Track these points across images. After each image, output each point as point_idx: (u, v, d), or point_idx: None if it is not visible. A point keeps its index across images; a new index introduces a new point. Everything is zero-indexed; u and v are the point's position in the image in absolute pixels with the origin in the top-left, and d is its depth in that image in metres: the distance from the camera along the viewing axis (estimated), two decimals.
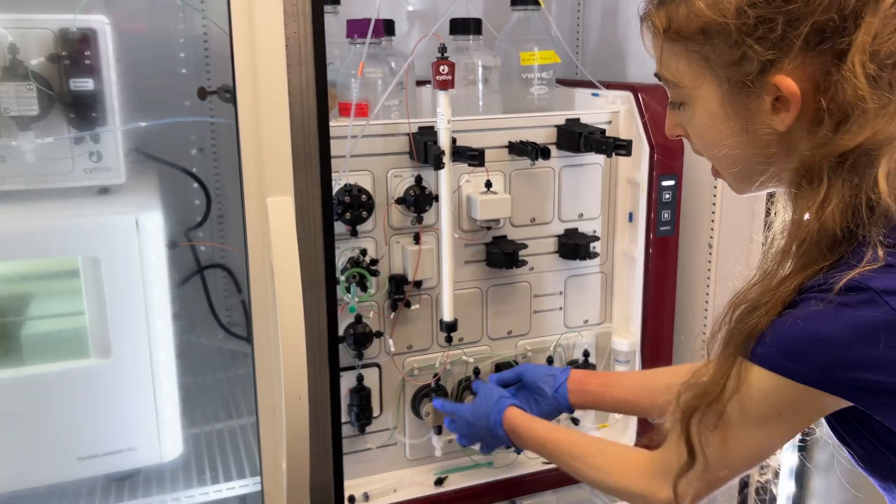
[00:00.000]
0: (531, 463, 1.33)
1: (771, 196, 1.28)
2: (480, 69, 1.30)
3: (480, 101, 1.31)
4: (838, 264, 0.68)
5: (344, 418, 1.19)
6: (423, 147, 1.15)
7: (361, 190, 1.14)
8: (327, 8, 1.27)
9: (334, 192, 1.09)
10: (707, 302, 1.38)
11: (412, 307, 1.23)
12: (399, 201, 1.18)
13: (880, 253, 0.65)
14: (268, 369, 0.96)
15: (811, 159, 0.68)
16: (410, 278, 1.20)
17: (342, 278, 1.13)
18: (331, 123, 0.95)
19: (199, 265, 1.46)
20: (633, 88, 1.28)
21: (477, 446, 1.19)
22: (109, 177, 1.09)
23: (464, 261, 1.25)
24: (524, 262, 1.26)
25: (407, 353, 1.26)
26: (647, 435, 1.35)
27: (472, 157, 1.14)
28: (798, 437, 1.34)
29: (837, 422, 0.75)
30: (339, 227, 1.13)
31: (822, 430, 1.31)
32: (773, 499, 1.43)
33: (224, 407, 1.40)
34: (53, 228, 1.03)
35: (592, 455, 0.95)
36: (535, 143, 1.21)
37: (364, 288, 1.15)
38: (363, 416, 1.21)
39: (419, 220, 1.19)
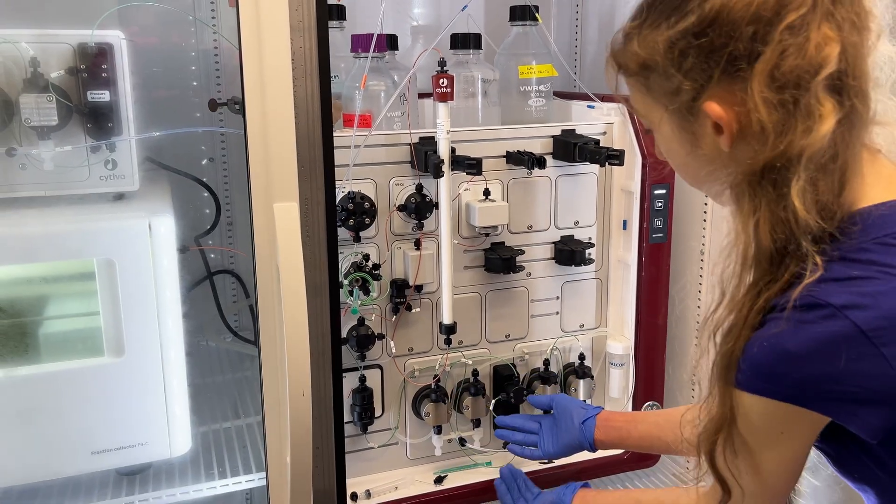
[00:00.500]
0: (529, 463, 1.37)
1: None
2: (480, 82, 1.35)
3: (480, 113, 1.36)
4: (794, 281, 0.70)
5: (347, 418, 1.23)
6: (424, 156, 1.19)
7: (364, 197, 1.19)
8: (333, 23, 1.32)
9: (338, 199, 1.14)
10: (699, 307, 1.42)
11: (413, 311, 1.27)
12: (400, 208, 1.23)
13: (818, 261, 0.69)
14: (273, 367, 1.00)
15: (736, 178, 0.73)
16: (411, 283, 1.24)
17: (345, 282, 1.17)
18: (335, 133, 0.99)
19: (209, 270, 1.51)
20: (627, 101, 1.32)
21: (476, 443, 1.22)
22: (124, 184, 1.13)
23: (463, 266, 1.29)
24: (521, 268, 1.30)
25: (408, 355, 1.30)
26: None
27: (471, 166, 1.18)
28: None
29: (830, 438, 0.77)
30: (343, 233, 1.17)
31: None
32: None
33: (231, 406, 1.44)
34: (71, 232, 1.07)
35: None
36: (531, 153, 1.25)
37: (366, 292, 1.19)
38: (365, 415, 1.25)
39: (420, 226, 1.24)
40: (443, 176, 1.19)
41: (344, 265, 1.19)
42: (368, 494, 1.27)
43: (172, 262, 1.11)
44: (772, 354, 0.70)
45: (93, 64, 1.08)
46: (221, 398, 1.46)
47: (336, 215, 1.03)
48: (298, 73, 0.95)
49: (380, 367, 1.28)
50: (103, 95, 1.09)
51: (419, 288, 1.26)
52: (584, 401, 1.32)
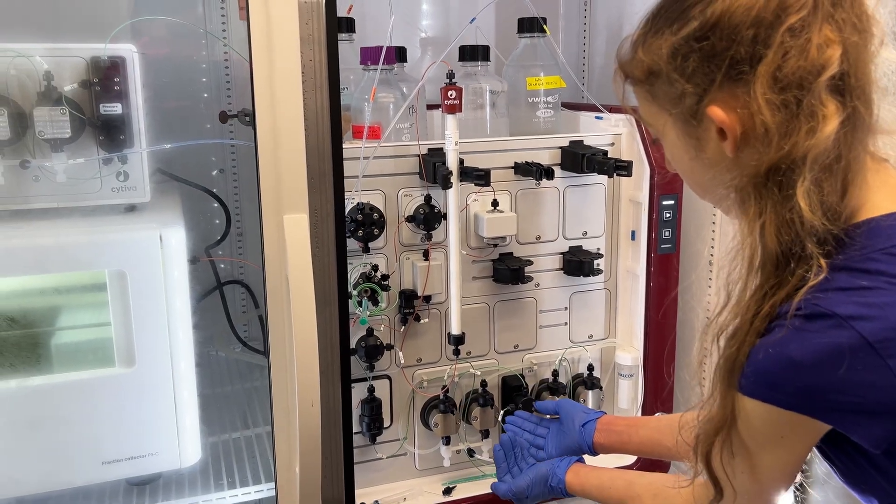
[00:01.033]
0: None
1: None
2: (488, 93, 1.36)
3: (488, 124, 1.37)
4: (800, 286, 0.70)
5: (355, 428, 1.23)
6: (433, 168, 1.20)
7: (373, 208, 1.19)
8: (342, 35, 1.33)
9: (347, 210, 1.15)
10: (709, 318, 1.41)
11: (421, 321, 1.28)
12: (409, 219, 1.23)
13: (822, 263, 0.69)
14: (282, 377, 1.00)
15: (742, 182, 0.73)
16: (420, 293, 1.25)
17: (354, 293, 1.17)
18: (344, 145, 1.00)
19: (219, 281, 1.51)
20: (635, 112, 1.33)
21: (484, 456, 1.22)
22: (135, 195, 1.14)
23: (471, 277, 1.30)
24: (530, 279, 1.30)
25: (416, 366, 1.30)
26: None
27: (479, 177, 1.18)
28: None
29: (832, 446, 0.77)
30: (352, 244, 1.18)
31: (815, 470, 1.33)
32: None
33: (240, 417, 1.44)
34: (83, 244, 1.08)
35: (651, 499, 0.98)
36: (540, 164, 1.26)
37: (375, 302, 1.19)
38: (374, 426, 1.25)
39: (428, 237, 1.24)
40: (451, 187, 1.19)
41: (353, 276, 1.19)
42: None
43: (183, 273, 1.12)
44: (777, 362, 0.70)
45: (105, 77, 1.10)
46: (231, 408, 1.46)
47: (345, 226, 1.03)
48: (308, 85, 0.96)
49: (388, 377, 1.28)
50: (116, 108, 1.10)
51: (427, 298, 1.27)
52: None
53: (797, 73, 0.69)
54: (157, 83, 1.22)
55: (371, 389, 1.26)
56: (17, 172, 1.08)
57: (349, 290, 1.15)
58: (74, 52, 1.09)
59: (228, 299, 1.55)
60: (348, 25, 1.37)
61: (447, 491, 1.32)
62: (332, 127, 0.98)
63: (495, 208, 1.26)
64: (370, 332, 1.22)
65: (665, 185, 1.30)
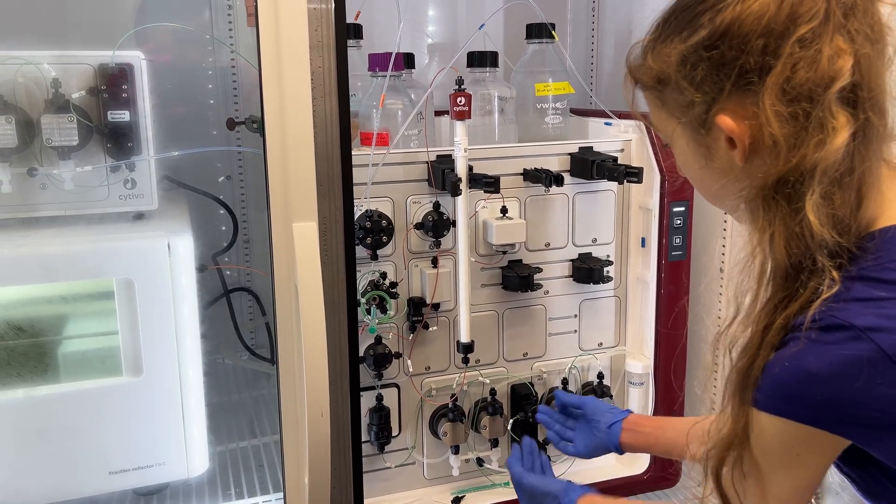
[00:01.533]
0: None
1: None
2: (496, 100, 1.35)
3: (496, 131, 1.36)
4: (813, 298, 0.69)
5: (363, 437, 1.22)
6: (441, 174, 1.19)
7: (382, 215, 1.18)
8: (350, 42, 1.33)
9: (356, 217, 1.14)
10: (719, 325, 1.40)
11: (430, 329, 1.27)
12: (418, 226, 1.23)
13: (835, 276, 0.67)
14: (291, 387, 1.00)
15: (750, 193, 0.73)
16: (428, 301, 1.24)
17: (363, 300, 1.16)
18: (353, 152, 0.99)
19: (226, 288, 1.51)
20: (645, 118, 1.32)
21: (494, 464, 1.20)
22: (143, 203, 1.14)
23: (480, 284, 1.29)
24: (539, 286, 1.29)
25: (425, 374, 1.29)
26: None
27: (488, 183, 1.17)
28: None
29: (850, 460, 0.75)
30: (360, 251, 1.17)
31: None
32: None
33: (248, 425, 1.44)
34: (90, 252, 1.08)
35: None
36: (549, 171, 1.25)
37: (384, 310, 1.19)
38: (382, 435, 1.24)
39: (437, 244, 1.23)
40: (460, 194, 1.18)
41: (361, 283, 1.18)
42: None
43: (191, 280, 1.11)
44: (794, 375, 0.68)
45: (113, 84, 1.09)
46: (238, 417, 1.46)
47: (354, 234, 1.02)
48: (317, 91, 0.95)
49: (397, 385, 1.27)
50: (123, 115, 1.10)
51: (436, 306, 1.26)
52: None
53: (806, 85, 0.68)
54: (163, 90, 1.21)
55: (379, 398, 1.25)
56: (24, 180, 1.08)
57: (357, 297, 1.14)
58: (82, 60, 1.08)
59: (235, 307, 1.55)
60: (356, 32, 1.36)
61: (456, 500, 1.31)
62: (340, 133, 0.98)
63: (504, 215, 1.25)
64: (378, 339, 1.21)
65: (675, 192, 1.30)
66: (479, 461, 1.34)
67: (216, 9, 1.57)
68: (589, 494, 1.07)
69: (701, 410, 1.44)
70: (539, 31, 1.36)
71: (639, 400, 1.39)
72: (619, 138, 1.34)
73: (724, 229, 1.37)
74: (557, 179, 1.23)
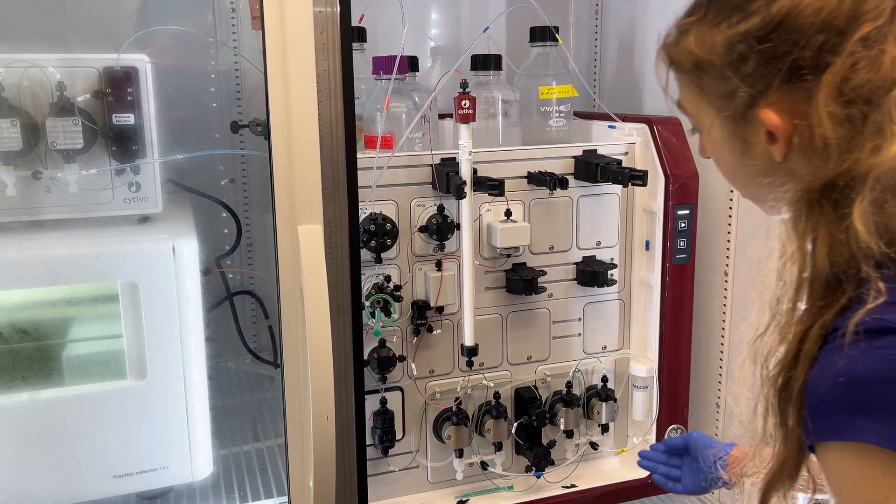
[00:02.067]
0: (551, 487, 1.35)
1: None
2: (500, 103, 1.35)
3: (500, 134, 1.36)
4: (851, 306, 0.64)
5: (367, 441, 1.22)
6: (446, 177, 1.19)
7: (386, 218, 1.18)
8: (354, 45, 1.32)
9: (360, 220, 1.14)
10: (724, 328, 1.40)
11: (434, 332, 1.26)
12: (422, 229, 1.22)
13: (882, 287, 0.62)
14: (296, 390, 0.99)
15: (794, 195, 0.69)
16: (432, 304, 1.24)
17: (367, 304, 1.16)
18: (357, 155, 0.99)
19: (229, 291, 1.51)
20: (649, 121, 1.32)
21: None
22: (147, 206, 1.14)
23: (484, 287, 1.29)
24: (543, 289, 1.29)
25: (429, 378, 1.29)
26: None
27: (493, 186, 1.17)
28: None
29: None
30: (364, 255, 1.17)
31: None
32: None
33: (251, 429, 1.43)
34: (95, 255, 1.08)
35: None
36: (553, 174, 1.25)
37: (388, 313, 1.18)
38: (386, 438, 1.24)
39: (441, 247, 1.23)
40: (465, 197, 1.18)
41: (365, 287, 1.18)
42: None
43: (195, 284, 1.11)
44: (846, 385, 0.61)
45: (118, 87, 1.09)
46: (241, 420, 1.45)
47: (359, 237, 1.02)
48: (323, 95, 0.95)
49: (401, 389, 1.27)
50: (128, 118, 1.10)
51: (440, 309, 1.25)
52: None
53: (866, 87, 0.64)
54: (167, 93, 1.21)
55: (383, 401, 1.24)
56: (29, 183, 1.08)
57: (362, 300, 1.14)
58: (87, 63, 1.08)
59: (238, 310, 1.55)
60: (360, 35, 1.36)
61: None
62: (346, 137, 0.98)
63: (508, 218, 1.25)
64: (383, 343, 1.20)
65: (680, 195, 1.29)
66: (484, 465, 1.34)
67: (219, 12, 1.57)
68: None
69: (706, 413, 1.44)
70: (542, 35, 1.36)
71: (643, 403, 1.39)
72: (624, 141, 1.34)
73: (729, 232, 1.37)
74: (562, 182, 1.23)
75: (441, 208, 1.22)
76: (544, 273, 1.29)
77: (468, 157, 1.18)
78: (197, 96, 1.57)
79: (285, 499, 1.14)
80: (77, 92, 1.08)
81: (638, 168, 1.30)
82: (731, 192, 1.35)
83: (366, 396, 1.11)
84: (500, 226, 1.23)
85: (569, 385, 1.35)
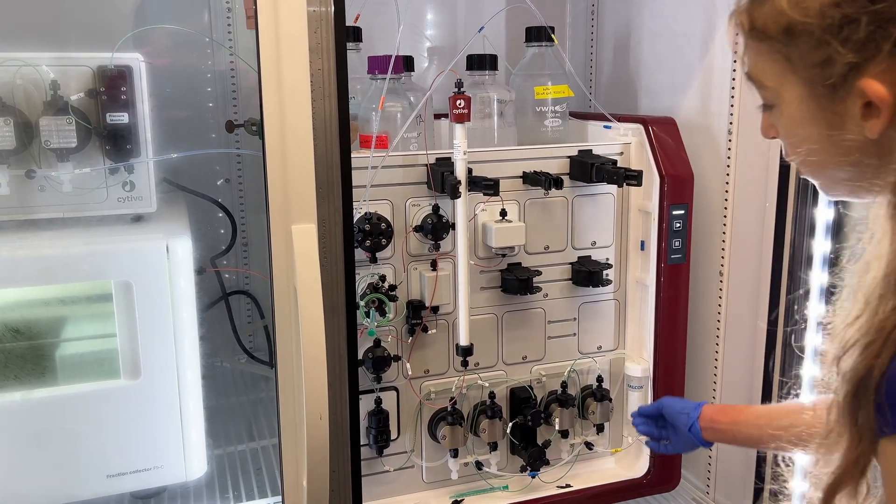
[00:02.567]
0: (546, 487, 1.35)
1: (781, 222, 1.32)
2: (496, 103, 1.35)
3: (496, 134, 1.36)
4: None
5: (362, 441, 1.22)
6: (441, 177, 1.19)
7: (381, 218, 1.18)
8: (349, 44, 1.32)
9: (355, 220, 1.14)
10: (718, 328, 1.40)
11: (429, 332, 1.26)
12: (417, 229, 1.22)
13: None
14: (290, 389, 0.99)
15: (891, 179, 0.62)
16: (427, 304, 1.24)
17: (362, 303, 1.16)
18: (352, 155, 0.99)
19: (224, 291, 1.50)
20: (644, 121, 1.32)
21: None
22: (142, 205, 1.14)
23: (479, 287, 1.28)
24: (538, 289, 1.29)
25: (424, 377, 1.29)
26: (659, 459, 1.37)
27: (488, 186, 1.17)
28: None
29: None
30: (359, 254, 1.17)
31: None
32: None
33: (246, 428, 1.43)
34: (89, 254, 1.07)
35: None
36: (548, 174, 1.25)
37: (383, 313, 1.18)
38: (381, 438, 1.24)
39: (436, 247, 1.23)
40: (460, 197, 1.18)
41: (360, 286, 1.18)
42: None
43: (190, 283, 1.11)
44: None
45: (112, 86, 1.09)
46: (236, 420, 1.45)
47: (353, 237, 1.02)
48: (317, 94, 0.95)
49: (395, 389, 1.27)
50: (122, 118, 1.10)
51: (435, 309, 1.25)
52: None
53: None
54: (162, 92, 1.21)
55: (378, 401, 1.24)
56: (22, 182, 1.08)
57: (356, 300, 1.14)
58: (81, 61, 1.08)
59: (233, 310, 1.54)
60: (355, 35, 1.36)
61: None
62: (340, 136, 0.97)
63: (503, 218, 1.25)
64: (377, 342, 1.20)
65: (675, 195, 1.29)
66: (479, 465, 1.34)
67: (215, 11, 1.57)
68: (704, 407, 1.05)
69: None
70: (538, 35, 1.36)
71: (638, 403, 1.39)
72: (619, 141, 1.34)
73: (724, 233, 1.37)
74: (557, 182, 1.23)
75: (436, 208, 1.22)
76: (539, 273, 1.29)
77: (463, 157, 1.17)
78: (192, 96, 1.56)
79: (279, 498, 1.14)
80: (71, 91, 1.08)
81: (633, 168, 1.30)
82: (726, 192, 1.35)
83: (360, 396, 1.11)
84: (496, 226, 1.23)
85: (564, 385, 1.35)
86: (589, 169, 1.26)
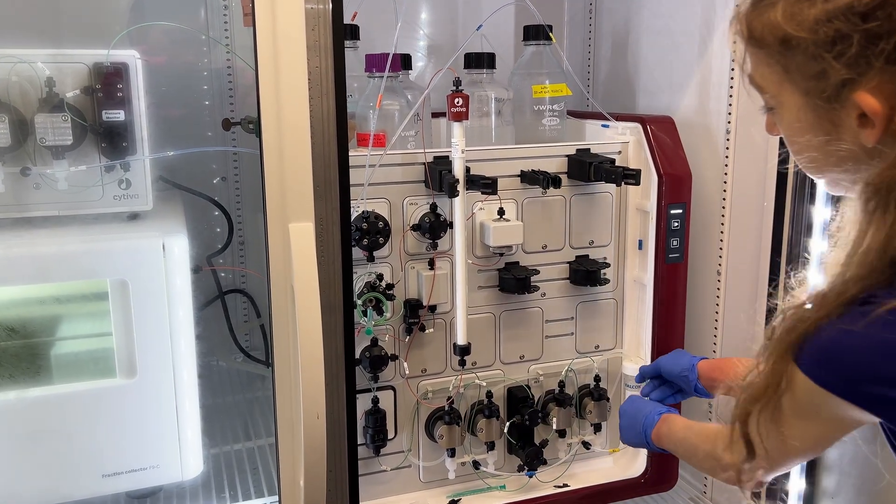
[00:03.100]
0: (543, 486, 1.35)
1: (779, 222, 1.32)
2: (493, 101, 1.35)
3: (493, 132, 1.35)
4: (888, 283, 0.66)
5: (359, 440, 1.21)
6: (438, 176, 1.19)
7: (378, 217, 1.18)
8: (346, 42, 1.32)
9: (352, 218, 1.13)
10: (716, 328, 1.40)
11: (426, 331, 1.26)
12: (414, 228, 1.22)
13: None
14: (287, 389, 0.99)
15: (881, 181, 0.66)
16: (425, 303, 1.23)
17: (359, 302, 1.16)
18: (349, 153, 0.99)
19: (220, 290, 1.50)
20: (642, 120, 1.32)
21: None
22: (138, 203, 1.13)
23: (477, 286, 1.28)
24: (536, 288, 1.29)
25: (421, 377, 1.28)
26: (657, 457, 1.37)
27: (486, 185, 1.17)
28: (805, 464, 1.34)
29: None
30: (357, 253, 1.16)
31: (828, 456, 1.32)
32: None
33: (242, 428, 1.43)
34: (84, 252, 1.07)
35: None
36: (546, 172, 1.24)
37: (380, 312, 1.18)
38: (378, 437, 1.24)
39: (434, 246, 1.23)
40: (458, 195, 1.18)
41: (357, 285, 1.18)
42: None
43: (186, 282, 1.10)
44: (835, 346, 0.68)
45: (108, 83, 1.08)
46: (232, 419, 1.45)
47: (351, 235, 1.02)
48: (314, 92, 0.95)
49: (393, 388, 1.26)
50: (118, 115, 1.09)
51: (433, 308, 1.25)
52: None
53: None
54: (159, 90, 1.20)
55: (375, 400, 1.24)
56: (17, 180, 1.07)
57: (354, 299, 1.13)
58: (76, 58, 1.07)
59: (229, 309, 1.54)
60: (352, 33, 1.36)
61: (452, 503, 1.31)
62: (337, 134, 0.97)
63: (501, 217, 1.25)
64: (375, 342, 1.20)
65: (673, 194, 1.29)
66: (476, 464, 1.33)
67: (212, 9, 1.56)
68: (672, 415, 1.07)
69: (698, 412, 1.44)
70: (536, 33, 1.36)
71: None
72: (617, 140, 1.34)
73: (722, 232, 1.37)
74: (555, 181, 1.23)
75: (434, 207, 1.21)
76: (537, 272, 1.29)
77: (461, 156, 1.17)
78: (189, 93, 1.56)
79: (276, 498, 1.13)
80: (67, 88, 1.07)
81: (631, 167, 1.29)
82: (724, 191, 1.35)
83: (357, 395, 1.11)
84: (493, 224, 1.23)
85: (561, 384, 1.35)
86: (587, 168, 1.26)
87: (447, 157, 1.19)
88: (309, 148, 0.94)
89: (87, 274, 1.08)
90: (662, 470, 1.39)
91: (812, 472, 1.36)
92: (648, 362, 1.36)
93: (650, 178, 1.30)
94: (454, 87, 1.16)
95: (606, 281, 1.34)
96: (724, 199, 1.36)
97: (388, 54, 1.19)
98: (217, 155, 1.58)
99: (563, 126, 1.39)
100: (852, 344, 0.66)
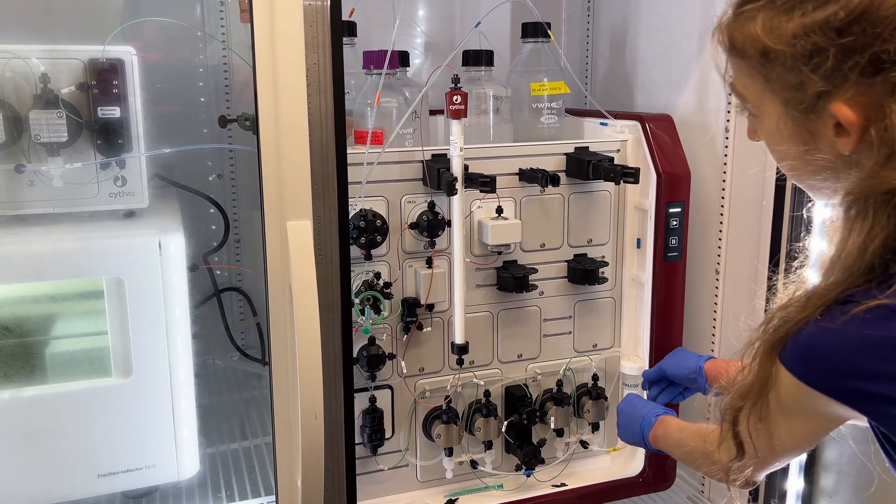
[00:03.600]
0: (541, 486, 1.35)
1: (778, 221, 1.31)
2: (492, 99, 1.34)
3: (492, 130, 1.35)
4: (868, 285, 0.68)
5: (356, 439, 1.21)
6: (437, 174, 1.18)
7: (376, 215, 1.17)
8: (344, 39, 1.31)
9: (350, 216, 1.12)
10: (714, 327, 1.40)
11: (424, 330, 1.25)
12: (412, 226, 1.21)
13: None
14: (284, 388, 0.98)
15: (860, 189, 0.68)
16: (423, 301, 1.23)
17: (356, 301, 1.15)
18: (347, 151, 0.98)
19: (216, 288, 1.49)
20: (641, 118, 1.32)
21: None
22: (133, 201, 1.12)
23: (475, 285, 1.28)
24: (534, 287, 1.28)
25: (419, 376, 1.28)
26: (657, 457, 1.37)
27: (484, 183, 1.16)
28: (803, 460, 1.35)
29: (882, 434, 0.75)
30: (354, 251, 1.16)
31: (826, 455, 1.32)
32: None
33: (238, 427, 1.42)
34: (80, 250, 1.06)
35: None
36: (545, 171, 1.24)
37: (378, 310, 1.17)
38: (375, 437, 1.23)
39: (432, 244, 1.22)
40: (456, 193, 1.17)
41: (355, 284, 1.17)
42: None
43: (182, 280, 1.10)
44: (817, 343, 0.70)
45: (103, 80, 1.08)
46: (228, 419, 1.44)
47: (349, 233, 1.01)
48: (312, 89, 0.94)
49: (390, 387, 1.26)
50: (114, 112, 1.08)
51: (431, 307, 1.24)
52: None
53: None
54: (154, 87, 1.19)
55: (372, 400, 1.23)
56: (12, 177, 1.06)
57: (351, 298, 1.13)
58: (72, 54, 1.06)
59: (225, 307, 1.53)
60: (350, 29, 1.35)
61: (450, 503, 1.30)
62: (335, 132, 0.96)
63: (499, 215, 1.24)
64: (372, 340, 1.19)
65: (672, 193, 1.29)
66: (473, 463, 1.33)
67: (208, 5, 1.55)
68: (668, 416, 1.08)
69: (696, 411, 1.44)
70: (535, 31, 1.35)
71: None
72: (615, 138, 1.33)
73: (720, 230, 1.36)
74: (553, 180, 1.22)
75: (432, 205, 1.21)
76: (535, 271, 1.28)
77: (459, 154, 1.16)
78: (185, 90, 1.55)
79: (273, 498, 1.12)
80: (62, 84, 1.06)
81: (630, 165, 1.29)
82: (723, 189, 1.35)
83: (355, 394, 1.10)
84: (492, 223, 1.23)
85: (559, 383, 1.35)
86: (586, 166, 1.26)
87: (445, 154, 1.19)
88: (307, 145, 0.93)
89: (83, 272, 1.08)
90: (660, 469, 1.39)
91: (810, 471, 1.37)
92: (647, 361, 1.36)
93: (649, 177, 1.29)
94: (452, 85, 1.16)
95: (605, 280, 1.33)
96: (722, 197, 1.35)
97: (385, 51, 1.18)
98: (213, 152, 1.57)
99: (562, 124, 1.39)
100: (832, 341, 0.69)
